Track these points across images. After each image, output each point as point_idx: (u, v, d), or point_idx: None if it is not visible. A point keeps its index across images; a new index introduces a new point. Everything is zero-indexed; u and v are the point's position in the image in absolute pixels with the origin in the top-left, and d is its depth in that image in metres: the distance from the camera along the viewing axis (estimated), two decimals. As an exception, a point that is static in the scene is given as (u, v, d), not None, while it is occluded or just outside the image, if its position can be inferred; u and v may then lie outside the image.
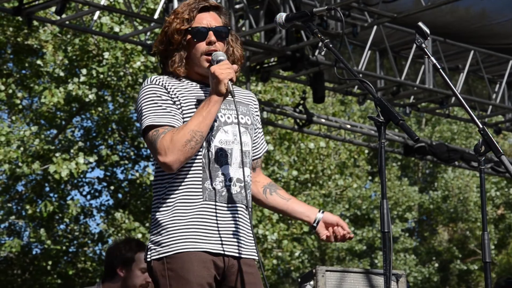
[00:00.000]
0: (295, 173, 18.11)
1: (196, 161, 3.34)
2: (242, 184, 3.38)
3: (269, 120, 13.35)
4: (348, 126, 12.85)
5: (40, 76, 15.80)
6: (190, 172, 3.34)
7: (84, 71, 15.02)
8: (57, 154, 15.07)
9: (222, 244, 3.32)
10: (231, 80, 3.28)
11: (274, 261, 18.30)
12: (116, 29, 13.77)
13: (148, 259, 3.36)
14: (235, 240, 3.35)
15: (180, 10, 3.41)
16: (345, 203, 23.87)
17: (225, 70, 3.27)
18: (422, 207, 26.72)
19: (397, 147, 13.71)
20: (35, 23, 14.57)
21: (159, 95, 3.35)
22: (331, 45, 3.23)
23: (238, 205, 3.37)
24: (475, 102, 11.77)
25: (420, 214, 27.39)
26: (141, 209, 16.71)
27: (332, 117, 13.33)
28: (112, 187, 17.06)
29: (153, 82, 3.38)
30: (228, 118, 3.40)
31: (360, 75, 10.44)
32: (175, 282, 3.28)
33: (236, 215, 3.36)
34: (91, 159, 15.44)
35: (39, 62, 15.48)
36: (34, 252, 16.87)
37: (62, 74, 15.31)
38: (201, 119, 3.26)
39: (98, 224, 17.34)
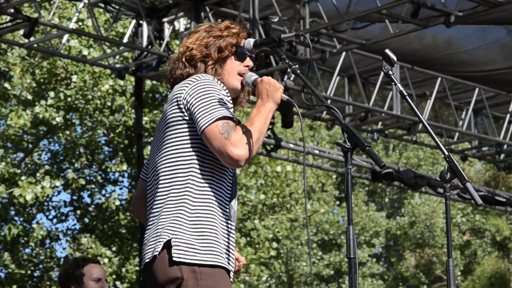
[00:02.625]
0: (262, 196, 18.11)
1: (230, 175, 3.29)
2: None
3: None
4: (316, 152, 12.89)
5: (7, 99, 15.69)
6: (225, 185, 3.27)
7: (51, 94, 14.95)
8: (22, 178, 14.95)
9: (232, 265, 3.29)
10: None
11: (242, 286, 18.25)
12: (85, 52, 13.74)
13: (176, 259, 3.13)
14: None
15: (233, 27, 3.41)
16: (313, 227, 23.89)
17: (276, 81, 3.30)
18: (389, 233, 26.82)
19: (365, 172, 13.78)
20: (3, 45, 14.49)
21: (224, 94, 3.28)
22: (298, 71, 3.25)
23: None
24: (441, 128, 11.87)
25: (387, 240, 27.49)
26: (108, 233, 16.58)
27: (300, 142, 13.37)
28: (78, 211, 16.94)
29: (215, 81, 3.30)
30: None
31: (329, 101, 10.51)
32: None
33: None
34: (57, 183, 15.32)
35: (6, 85, 15.37)
36: (-2, 276, 16.68)
37: (29, 97, 15.22)
38: (263, 122, 3.22)
39: (64, 248, 17.18)
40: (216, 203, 3.22)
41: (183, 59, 3.36)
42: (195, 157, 3.23)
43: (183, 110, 3.24)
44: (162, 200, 3.25)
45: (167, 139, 3.27)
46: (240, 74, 3.40)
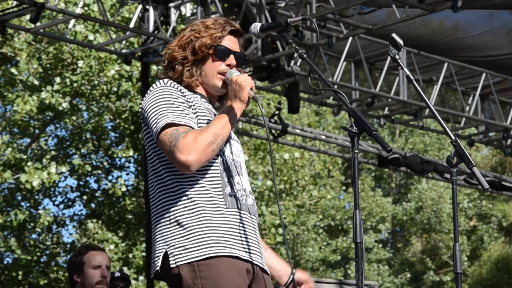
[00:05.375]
0: (269, 183, 18.12)
1: (214, 165, 3.31)
2: (254, 197, 3.42)
3: (244, 131, 13.34)
4: (323, 137, 12.87)
5: (14, 85, 15.69)
6: (209, 176, 3.30)
7: (58, 79, 14.94)
8: (29, 163, 14.97)
9: (250, 253, 3.29)
10: (251, 89, 3.32)
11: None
12: (91, 37, 13.72)
13: (173, 265, 3.23)
14: (259, 251, 3.35)
15: (211, 25, 3.43)
16: (319, 213, 23.90)
17: (246, 79, 3.31)
18: (396, 218, 26.82)
19: (371, 158, 13.75)
20: (10, 31, 14.48)
21: (176, 97, 3.31)
22: (305, 56, 3.23)
23: (254, 217, 3.39)
24: (448, 114, 11.84)
25: (394, 225, 27.49)
26: (115, 219, 16.61)
27: (307, 128, 13.34)
28: (85, 197, 16.96)
29: (168, 85, 3.34)
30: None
31: (335, 86, 10.47)
32: None
33: (255, 227, 3.37)
34: (64, 169, 15.34)
35: (13, 70, 15.37)
36: (5, 262, 16.73)
37: (36, 82, 15.21)
38: (224, 123, 3.25)
39: (71, 234, 17.22)
40: (203, 196, 3.27)
41: (165, 62, 3.44)
42: (162, 162, 3.33)
43: (144, 118, 3.34)
44: (153, 206, 3.35)
45: (145, 146, 3.41)
46: (222, 73, 3.41)
